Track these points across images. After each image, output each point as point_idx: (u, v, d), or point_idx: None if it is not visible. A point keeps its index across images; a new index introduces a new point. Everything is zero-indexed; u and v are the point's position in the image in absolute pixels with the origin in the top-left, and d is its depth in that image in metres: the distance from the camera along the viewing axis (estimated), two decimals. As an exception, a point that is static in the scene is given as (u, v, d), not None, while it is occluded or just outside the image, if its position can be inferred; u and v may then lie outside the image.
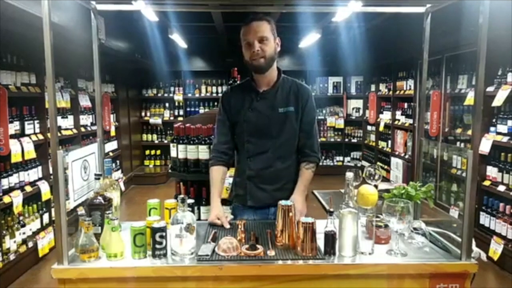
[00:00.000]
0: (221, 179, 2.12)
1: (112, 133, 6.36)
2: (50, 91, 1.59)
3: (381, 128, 7.08)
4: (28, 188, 3.82)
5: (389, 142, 6.84)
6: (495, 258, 3.69)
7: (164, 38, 6.26)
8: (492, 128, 3.95)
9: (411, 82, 6.07)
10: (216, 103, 7.80)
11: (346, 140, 8.28)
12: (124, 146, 7.04)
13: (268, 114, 2.06)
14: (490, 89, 3.87)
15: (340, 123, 8.12)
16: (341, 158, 8.27)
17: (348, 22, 5.56)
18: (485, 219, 3.96)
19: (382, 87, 7.21)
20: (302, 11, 2.55)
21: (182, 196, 1.64)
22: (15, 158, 3.57)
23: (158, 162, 7.95)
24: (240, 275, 1.59)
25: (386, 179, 6.27)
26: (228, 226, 1.95)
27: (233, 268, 1.58)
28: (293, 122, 2.07)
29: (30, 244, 3.78)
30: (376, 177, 1.99)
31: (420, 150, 2.26)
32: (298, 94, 2.09)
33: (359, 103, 8.23)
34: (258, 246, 1.67)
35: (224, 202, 3.04)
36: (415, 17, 2.18)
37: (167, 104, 8.01)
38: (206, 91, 8.01)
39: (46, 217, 4.09)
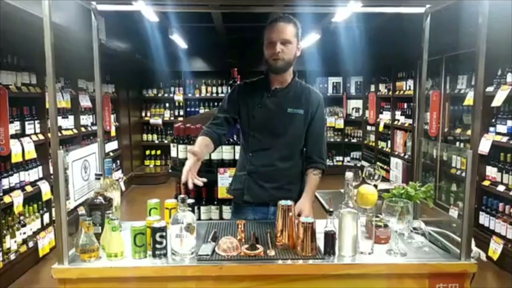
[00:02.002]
0: (205, 144, 2.03)
1: (113, 133, 6.37)
2: (51, 91, 1.59)
3: (380, 128, 7.08)
4: (29, 188, 3.82)
5: (389, 142, 6.84)
6: (495, 258, 3.69)
7: (164, 39, 6.26)
8: (491, 128, 3.96)
9: (410, 82, 6.07)
10: (216, 103, 7.80)
11: (346, 140, 8.28)
12: (124, 146, 7.04)
13: (276, 112, 2.06)
14: (489, 89, 3.87)
15: (340, 123, 8.13)
16: (340, 158, 8.27)
17: (348, 22, 5.56)
18: (484, 219, 3.97)
19: (382, 87, 7.22)
20: (302, 12, 2.55)
21: (182, 196, 1.64)
22: (16, 158, 3.58)
23: (158, 162, 7.95)
24: (240, 274, 1.59)
25: (385, 179, 6.27)
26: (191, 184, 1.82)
27: (233, 268, 1.58)
28: (300, 124, 2.08)
29: (31, 244, 3.79)
30: (376, 177, 1.99)
31: (420, 150, 2.26)
32: (310, 99, 2.10)
33: (358, 103, 8.24)
34: (258, 246, 1.68)
35: (224, 201, 3.07)
36: (415, 18, 2.18)
37: (167, 104, 8.01)
38: (206, 92, 8.02)
39: (46, 217, 4.09)
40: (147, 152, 7.96)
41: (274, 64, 2.01)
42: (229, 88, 2.38)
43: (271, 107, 2.07)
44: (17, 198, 3.56)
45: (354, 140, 8.28)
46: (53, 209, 3.91)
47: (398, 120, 6.46)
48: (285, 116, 2.05)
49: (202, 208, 3.11)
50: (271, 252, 1.66)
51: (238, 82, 2.25)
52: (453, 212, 4.08)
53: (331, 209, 1.67)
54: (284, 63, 2.01)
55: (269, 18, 2.06)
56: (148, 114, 8.03)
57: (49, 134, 4.03)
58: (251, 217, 2.11)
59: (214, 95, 7.96)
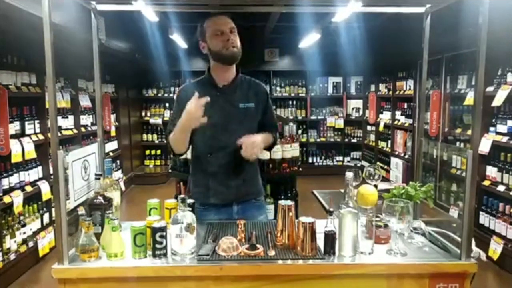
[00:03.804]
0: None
1: (113, 133, 6.37)
2: (51, 91, 1.59)
3: (381, 128, 7.08)
4: (29, 188, 3.82)
5: (389, 142, 6.84)
6: (495, 258, 3.69)
7: (164, 38, 6.26)
8: (491, 128, 3.96)
9: (410, 82, 6.07)
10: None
11: (346, 140, 8.28)
12: (124, 146, 7.04)
13: (228, 109, 2.06)
14: (489, 89, 3.87)
15: (340, 123, 8.13)
16: (341, 158, 8.26)
17: (348, 22, 5.56)
18: (484, 219, 3.97)
19: (382, 87, 7.22)
20: (302, 11, 2.55)
21: (182, 196, 1.64)
22: (16, 158, 3.58)
23: (158, 162, 7.96)
24: (240, 275, 1.59)
25: (385, 179, 6.28)
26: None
27: (233, 268, 1.58)
28: (253, 117, 2.11)
29: (31, 244, 3.79)
30: (376, 177, 1.99)
31: (420, 150, 2.26)
32: (258, 91, 2.15)
33: (359, 103, 8.24)
34: (258, 246, 1.68)
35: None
36: (415, 17, 2.18)
37: (167, 104, 8.01)
38: (206, 91, 8.00)
39: (46, 217, 4.09)
40: (147, 152, 7.96)
41: (231, 51, 1.99)
42: (185, 84, 2.30)
43: (222, 105, 2.06)
44: (17, 198, 3.56)
45: (354, 140, 8.28)
46: (53, 209, 3.91)
47: (398, 120, 6.46)
48: (238, 112, 2.06)
49: (202, 208, 3.10)
50: (271, 252, 1.65)
51: (180, 87, 2.24)
52: (453, 212, 4.09)
53: (331, 209, 1.66)
54: (238, 50, 2.01)
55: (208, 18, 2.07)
56: (148, 114, 8.03)
57: (49, 134, 4.03)
58: (215, 219, 2.07)
59: (214, 95, 7.95)
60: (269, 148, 2.26)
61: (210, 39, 2.02)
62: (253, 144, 1.93)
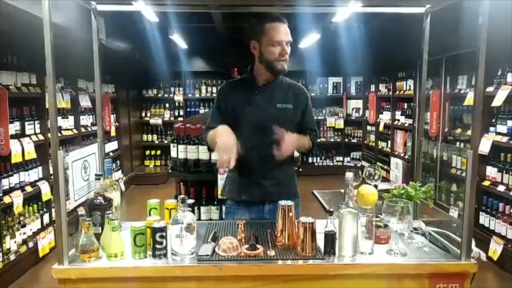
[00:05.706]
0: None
1: (113, 133, 6.37)
2: (51, 91, 1.59)
3: (380, 128, 7.08)
4: (29, 188, 3.82)
5: (389, 142, 6.84)
6: (495, 258, 3.69)
7: (164, 39, 6.26)
8: (491, 128, 3.95)
9: (410, 82, 6.07)
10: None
11: (346, 140, 8.27)
12: (124, 146, 7.04)
13: (265, 108, 2.07)
14: (489, 89, 3.87)
15: (340, 123, 8.12)
16: (341, 158, 8.26)
17: (348, 22, 5.56)
18: (484, 219, 3.97)
19: (382, 87, 7.22)
20: (302, 12, 2.56)
21: (182, 196, 1.64)
22: (16, 158, 3.58)
23: (158, 162, 7.95)
24: (240, 275, 1.59)
25: (385, 179, 6.27)
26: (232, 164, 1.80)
27: (233, 268, 1.58)
28: (291, 119, 2.10)
29: (31, 244, 3.79)
30: (376, 177, 1.99)
31: (420, 150, 2.26)
32: (298, 94, 2.14)
33: (359, 103, 8.23)
34: (258, 246, 1.68)
35: (224, 201, 3.04)
36: (415, 18, 2.18)
37: (167, 105, 8.00)
38: (206, 92, 8.01)
39: (46, 217, 4.09)
40: (147, 152, 7.96)
41: (282, 66, 2.02)
42: (226, 82, 2.36)
43: (260, 104, 2.07)
44: (17, 199, 3.56)
45: (354, 140, 8.27)
46: (53, 210, 3.91)
47: (398, 120, 6.46)
48: (275, 112, 2.07)
49: (202, 208, 3.11)
50: (271, 252, 1.65)
51: (221, 85, 2.25)
52: (453, 212, 4.08)
53: (331, 209, 1.67)
54: (286, 65, 2.04)
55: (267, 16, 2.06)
56: (148, 114, 8.03)
57: (49, 134, 4.03)
58: (247, 217, 2.09)
59: (214, 95, 7.92)
60: (305, 152, 2.23)
61: (266, 45, 2.01)
62: (288, 143, 1.91)
